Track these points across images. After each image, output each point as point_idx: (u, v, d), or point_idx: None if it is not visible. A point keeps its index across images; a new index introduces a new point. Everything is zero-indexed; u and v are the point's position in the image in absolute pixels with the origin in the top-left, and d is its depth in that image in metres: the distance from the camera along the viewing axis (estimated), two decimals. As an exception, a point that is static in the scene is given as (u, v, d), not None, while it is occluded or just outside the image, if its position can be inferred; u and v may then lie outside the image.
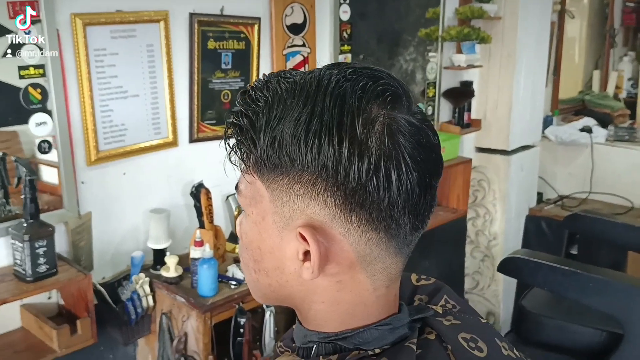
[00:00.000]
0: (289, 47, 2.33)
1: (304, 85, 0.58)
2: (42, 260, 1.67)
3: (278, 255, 0.61)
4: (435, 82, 3.03)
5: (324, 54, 2.49)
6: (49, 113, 1.74)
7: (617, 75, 4.35)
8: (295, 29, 2.34)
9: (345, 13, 2.52)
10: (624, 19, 4.35)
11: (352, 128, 0.55)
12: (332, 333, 0.63)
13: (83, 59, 1.78)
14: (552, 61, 3.78)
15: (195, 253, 1.93)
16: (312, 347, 0.64)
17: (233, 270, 2.02)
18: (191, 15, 2.04)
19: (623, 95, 4.42)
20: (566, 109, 4.09)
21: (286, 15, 2.30)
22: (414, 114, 0.59)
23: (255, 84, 0.61)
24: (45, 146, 1.77)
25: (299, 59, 2.38)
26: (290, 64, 2.35)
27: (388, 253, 0.61)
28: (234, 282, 1.97)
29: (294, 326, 0.74)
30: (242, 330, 1.86)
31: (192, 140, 2.15)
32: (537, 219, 3.48)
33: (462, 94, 3.09)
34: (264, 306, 1.96)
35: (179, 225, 2.15)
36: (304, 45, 2.38)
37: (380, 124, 0.56)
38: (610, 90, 4.34)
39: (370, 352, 0.61)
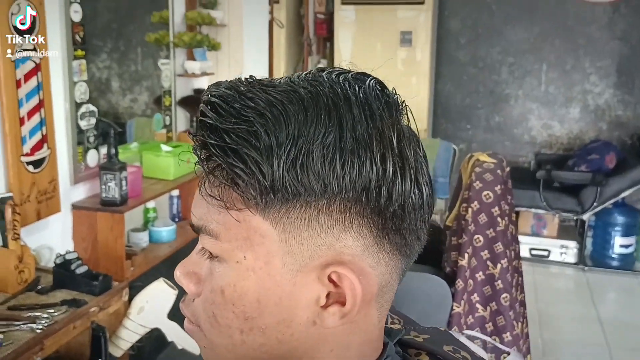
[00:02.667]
0: (17, 51, 1.93)
1: (314, 93, 0.47)
2: None
3: (287, 304, 0.50)
4: (170, 91, 2.87)
5: (56, 60, 2.14)
6: None
7: (315, 81, 4.75)
8: (24, 30, 1.95)
9: (76, 13, 2.20)
10: (316, 29, 4.77)
11: (390, 142, 0.48)
12: None
13: None
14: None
15: None
16: None
17: (-18, 334, 1.59)
18: None
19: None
20: (278, 113, 4.30)
21: (12, 14, 1.90)
22: None
23: (220, 94, 0.48)
24: None
25: (30, 65, 1.99)
26: (20, 72, 1.95)
27: (399, 278, 0.54)
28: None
29: None
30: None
31: None
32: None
33: (199, 102, 2.98)
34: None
35: None
36: (34, 49, 2.00)
37: (404, 134, 0.50)
38: (311, 94, 4.72)
39: None
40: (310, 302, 0.49)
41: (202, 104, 0.49)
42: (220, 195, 0.48)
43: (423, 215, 0.51)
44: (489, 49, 4.92)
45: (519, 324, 2.21)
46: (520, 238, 3.68)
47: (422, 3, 4.41)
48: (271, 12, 3.88)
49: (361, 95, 0.48)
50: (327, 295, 0.50)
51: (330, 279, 0.49)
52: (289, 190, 0.46)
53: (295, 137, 0.45)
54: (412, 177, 0.49)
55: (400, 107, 0.51)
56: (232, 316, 0.50)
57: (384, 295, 0.53)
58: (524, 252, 4.37)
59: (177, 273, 0.55)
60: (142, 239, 2.50)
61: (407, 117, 0.52)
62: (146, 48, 2.74)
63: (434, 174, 4.06)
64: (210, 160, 0.47)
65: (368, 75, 0.52)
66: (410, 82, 4.60)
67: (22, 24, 1.94)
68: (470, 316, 2.17)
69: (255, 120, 0.46)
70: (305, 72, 0.51)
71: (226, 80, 0.50)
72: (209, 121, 0.47)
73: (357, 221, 0.48)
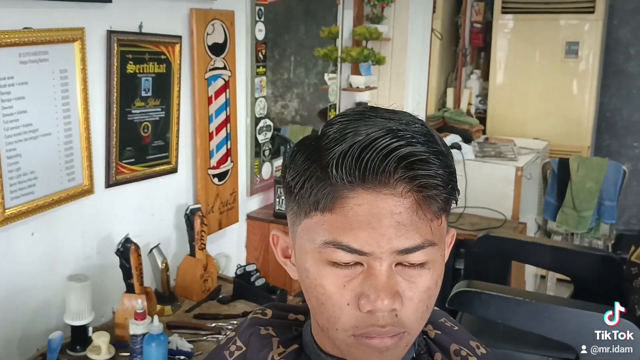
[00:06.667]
0: (210, 69, 2.03)
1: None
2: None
3: None
4: (335, 105, 2.90)
5: (241, 78, 2.23)
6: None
7: (468, 93, 4.61)
8: (217, 49, 2.05)
9: (260, 32, 2.28)
10: (472, 38, 4.62)
11: None
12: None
13: (-14, 91, 1.34)
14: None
15: (137, 328, 1.56)
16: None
17: (176, 342, 1.68)
18: (109, 33, 1.66)
19: (472, 111, 4.70)
20: (430, 126, 4.21)
21: (208, 34, 2.00)
22: None
23: (410, 141, 0.61)
24: None
25: (220, 83, 2.08)
26: (211, 90, 2.05)
27: None
28: (182, 357, 1.64)
29: None
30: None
31: (109, 184, 1.76)
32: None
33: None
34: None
35: (96, 290, 1.74)
36: (225, 67, 2.09)
37: None
38: (464, 107, 4.58)
39: None
40: None
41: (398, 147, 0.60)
42: (439, 211, 0.62)
43: None
44: (663, 61, 4.51)
45: None
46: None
47: (592, 12, 4.13)
48: (431, 24, 3.80)
49: None
50: None
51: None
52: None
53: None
54: None
55: None
56: (432, 301, 0.65)
57: None
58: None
59: (387, 303, 0.61)
60: (307, 251, 2.53)
61: None
62: (318, 64, 2.79)
63: (601, 196, 3.79)
64: (451, 188, 0.62)
65: None
66: (572, 94, 4.33)
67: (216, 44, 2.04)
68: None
69: (450, 158, 0.63)
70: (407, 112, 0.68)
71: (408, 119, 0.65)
72: (435, 157, 0.61)
73: None
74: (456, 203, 0.64)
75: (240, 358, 0.72)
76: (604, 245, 3.92)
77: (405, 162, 0.59)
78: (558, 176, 3.95)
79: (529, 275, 4.02)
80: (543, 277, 4.23)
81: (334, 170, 0.60)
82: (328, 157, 0.61)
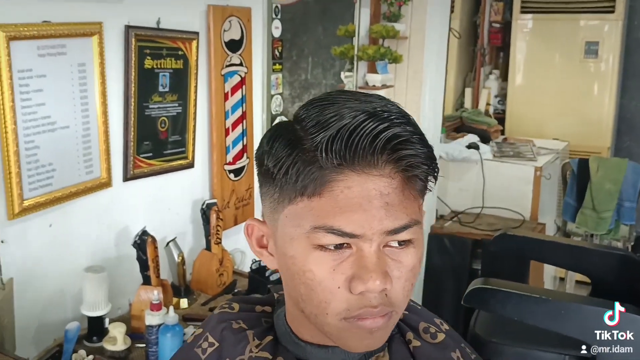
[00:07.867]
0: (227, 66, 2.04)
1: None
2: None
3: None
4: (352, 103, 2.90)
5: (257, 75, 2.24)
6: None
7: (487, 93, 4.59)
8: (233, 45, 2.06)
9: (277, 29, 2.29)
10: (490, 38, 4.60)
11: None
12: None
13: (6, 84, 1.36)
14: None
15: (153, 319, 1.57)
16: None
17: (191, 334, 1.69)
18: (127, 28, 1.69)
19: (490, 111, 4.68)
20: (447, 126, 4.20)
21: (224, 31, 2.01)
22: None
23: (398, 118, 0.63)
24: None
25: (236, 80, 2.10)
26: (228, 86, 2.06)
27: None
28: (197, 348, 1.65)
29: None
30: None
31: (126, 178, 1.78)
32: (439, 236, 3.51)
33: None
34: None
35: (112, 282, 1.76)
36: (241, 64, 2.11)
37: None
38: (482, 107, 4.56)
39: None
40: None
41: (388, 129, 0.61)
42: (422, 189, 0.65)
43: None
44: (686, 61, 4.44)
45: None
46: None
47: (612, 12, 4.09)
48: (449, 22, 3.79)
49: None
50: None
51: None
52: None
53: None
54: None
55: None
56: (417, 277, 0.66)
57: None
58: None
59: (379, 283, 0.62)
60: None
61: None
62: (333, 62, 2.80)
63: (620, 197, 3.74)
64: (433, 167, 0.64)
65: None
66: (592, 95, 4.28)
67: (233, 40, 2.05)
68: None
69: (424, 136, 0.64)
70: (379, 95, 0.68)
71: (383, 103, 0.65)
72: (417, 137, 0.62)
73: None
74: (435, 181, 0.65)
75: (215, 354, 0.71)
76: (623, 246, 3.86)
77: (392, 144, 0.60)
78: (578, 177, 3.91)
79: (548, 276, 3.98)
80: (562, 279, 4.18)
81: (323, 154, 0.60)
82: (316, 142, 0.61)
